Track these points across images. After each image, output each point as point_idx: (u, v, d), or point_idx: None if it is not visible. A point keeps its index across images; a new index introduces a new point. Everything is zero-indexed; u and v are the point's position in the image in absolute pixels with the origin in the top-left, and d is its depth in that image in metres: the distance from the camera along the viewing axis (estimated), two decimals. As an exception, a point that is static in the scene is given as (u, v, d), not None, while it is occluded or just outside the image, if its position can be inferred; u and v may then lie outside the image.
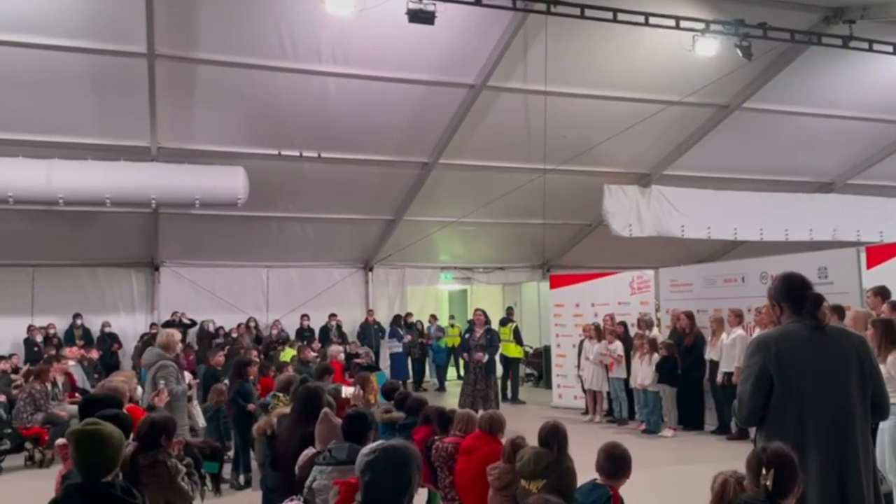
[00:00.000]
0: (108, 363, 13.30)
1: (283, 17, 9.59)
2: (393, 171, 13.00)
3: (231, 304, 14.75)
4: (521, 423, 7.03)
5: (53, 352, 12.12)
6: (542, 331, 15.84)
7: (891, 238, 13.37)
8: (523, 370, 15.91)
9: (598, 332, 11.68)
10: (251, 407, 7.59)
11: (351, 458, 3.48)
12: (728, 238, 14.74)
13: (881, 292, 7.07)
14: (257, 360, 9.75)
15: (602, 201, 13.61)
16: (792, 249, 12.65)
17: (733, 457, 3.49)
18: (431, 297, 17.65)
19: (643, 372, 10.53)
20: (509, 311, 15.33)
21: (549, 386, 14.24)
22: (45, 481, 4.72)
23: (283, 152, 12.01)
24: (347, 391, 6.88)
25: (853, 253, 9.34)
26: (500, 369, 13.37)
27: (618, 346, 11.27)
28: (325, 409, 4.56)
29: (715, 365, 10.08)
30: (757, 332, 8.64)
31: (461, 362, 14.52)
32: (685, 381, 10.35)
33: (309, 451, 4.36)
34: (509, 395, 13.73)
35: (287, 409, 5.42)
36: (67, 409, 9.29)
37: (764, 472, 2.75)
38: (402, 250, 15.34)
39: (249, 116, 11.30)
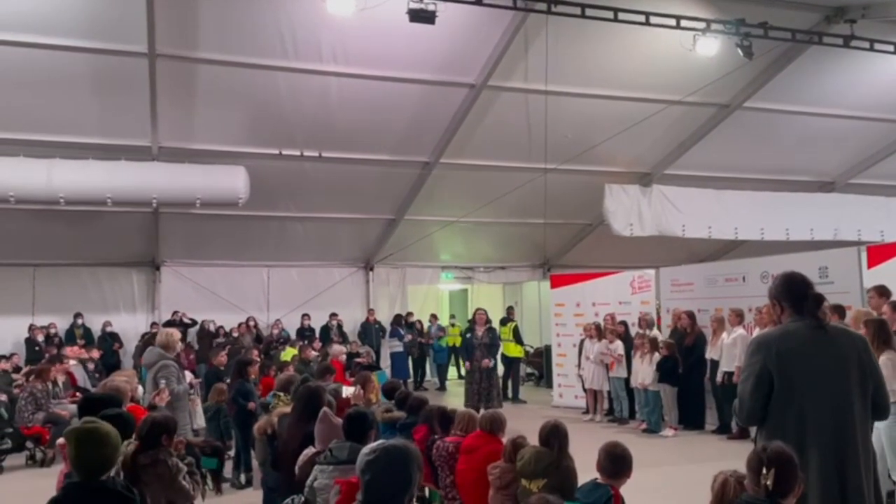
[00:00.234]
0: (110, 363, 13.30)
1: (284, 16, 9.59)
2: (394, 170, 13.00)
3: (232, 304, 14.76)
4: (522, 422, 7.03)
5: (55, 351, 12.13)
6: (542, 330, 15.84)
7: (892, 237, 13.39)
8: (524, 370, 15.91)
9: (598, 332, 11.68)
10: (252, 406, 7.60)
11: (352, 457, 3.49)
12: (729, 237, 14.74)
13: (885, 292, 7.06)
14: (258, 359, 9.76)
15: (603, 201, 13.61)
16: (793, 249, 12.64)
17: (734, 456, 3.49)
18: (432, 297, 17.66)
19: (644, 371, 10.53)
20: (509, 310, 15.33)
21: (549, 385, 14.24)
22: (47, 480, 4.73)
23: (284, 152, 12.02)
24: (348, 391, 6.89)
25: (854, 252, 9.33)
26: (500, 368, 13.39)
27: (618, 346, 11.27)
28: (325, 409, 4.57)
29: (715, 364, 10.08)
30: (757, 331, 8.65)
31: (461, 362, 14.55)
32: (686, 381, 10.35)
33: (309, 451, 4.36)
34: (510, 394, 13.73)
35: (288, 409, 5.42)
36: (68, 408, 9.30)
37: (765, 471, 2.75)
38: (403, 250, 15.35)
39: (250, 116, 11.31)
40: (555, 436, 4.38)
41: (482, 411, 5.78)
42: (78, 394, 10.18)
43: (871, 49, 10.36)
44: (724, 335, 10.01)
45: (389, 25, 9.23)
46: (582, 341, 12.05)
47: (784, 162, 14.31)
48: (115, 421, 3.87)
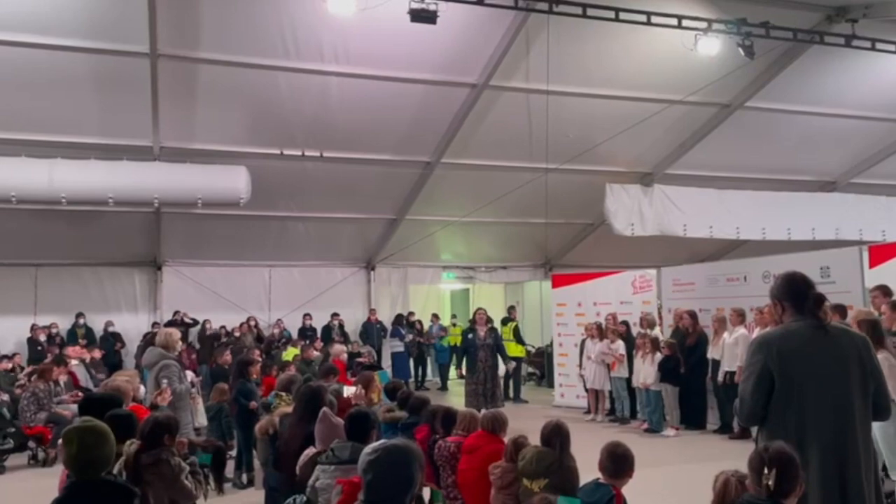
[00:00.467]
0: (112, 362, 13.32)
1: (286, 16, 9.60)
2: (395, 170, 13.01)
3: (233, 304, 14.77)
4: (524, 422, 7.04)
5: (57, 351, 12.14)
6: (544, 330, 15.84)
7: (893, 237, 13.40)
8: (525, 369, 15.91)
9: (600, 332, 11.68)
10: (253, 405, 7.61)
11: (353, 457, 3.49)
12: (730, 237, 14.74)
13: (889, 292, 7.04)
14: (259, 359, 9.77)
15: (604, 200, 13.61)
16: (794, 248, 12.64)
17: (735, 456, 3.49)
18: (434, 297, 17.66)
19: (645, 371, 10.52)
20: (511, 310, 15.33)
21: (551, 385, 14.24)
22: (49, 480, 4.74)
23: (286, 152, 12.02)
24: (349, 391, 6.89)
25: (856, 252, 9.33)
26: (501, 369, 13.39)
27: (620, 346, 11.27)
28: (325, 409, 4.58)
29: (717, 364, 10.07)
30: (758, 331, 8.64)
31: (463, 362, 14.54)
32: (687, 381, 10.35)
33: (310, 451, 4.37)
34: (511, 394, 13.73)
35: (289, 409, 5.43)
36: (71, 408, 9.32)
37: (766, 471, 2.75)
38: (405, 249, 15.35)
39: (252, 116, 11.32)
40: (556, 435, 4.39)
41: (483, 411, 5.77)
42: (80, 394, 10.19)
43: (873, 49, 10.36)
44: (726, 335, 10.01)
45: (391, 25, 9.23)
46: (583, 341, 12.05)
47: (785, 161, 14.30)
48: (119, 421, 3.90)
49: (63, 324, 14.11)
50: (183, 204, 12.13)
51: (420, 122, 11.80)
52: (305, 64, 10.34)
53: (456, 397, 12.82)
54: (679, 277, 11.89)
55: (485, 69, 10.79)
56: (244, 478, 7.76)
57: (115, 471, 3.53)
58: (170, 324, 13.64)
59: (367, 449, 2.57)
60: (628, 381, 11.14)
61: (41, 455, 9.24)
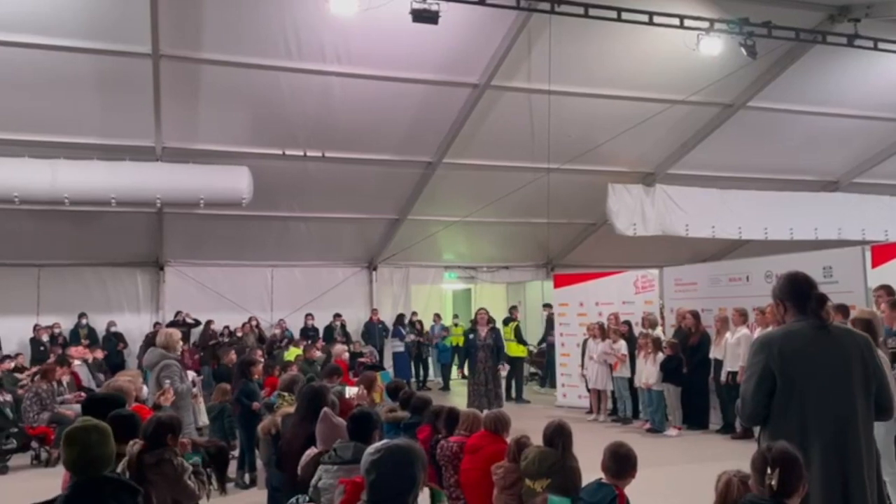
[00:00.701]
0: (114, 363, 13.34)
1: (288, 17, 9.61)
2: (397, 170, 13.01)
3: (235, 304, 14.78)
4: (526, 422, 7.03)
5: (59, 351, 12.16)
6: (546, 330, 15.83)
7: (896, 237, 13.37)
8: (527, 369, 15.91)
9: (602, 332, 11.68)
10: (256, 406, 7.62)
11: (356, 457, 3.50)
12: (733, 237, 14.72)
13: (892, 291, 7.02)
14: (261, 359, 9.78)
15: (606, 200, 13.60)
16: (797, 248, 12.63)
17: (738, 456, 3.49)
18: (435, 297, 17.66)
19: (647, 371, 10.52)
20: (512, 310, 15.32)
21: (553, 385, 14.23)
22: (52, 480, 4.75)
23: (288, 152, 12.04)
24: (351, 391, 6.89)
25: (858, 252, 9.31)
26: (506, 369, 13.39)
27: (622, 346, 11.26)
28: (326, 409, 4.58)
29: (719, 364, 10.07)
30: (759, 331, 8.64)
31: (466, 362, 14.55)
32: (690, 381, 10.34)
33: (311, 451, 4.38)
34: (514, 394, 13.73)
35: (291, 409, 5.43)
36: (73, 408, 9.33)
37: (769, 471, 2.75)
38: (407, 249, 15.36)
39: (254, 116, 11.33)
40: (559, 435, 4.39)
41: (486, 411, 5.78)
42: (82, 394, 10.20)
43: (875, 48, 10.35)
44: (728, 335, 10.00)
45: (392, 25, 9.23)
46: (585, 341, 12.05)
47: (788, 161, 14.29)
48: (122, 421, 3.91)
49: (66, 324, 14.14)
50: (185, 204, 12.15)
51: (422, 122, 11.81)
52: (307, 64, 10.35)
53: (458, 397, 12.83)
54: (681, 277, 11.88)
55: (486, 69, 10.79)
56: (247, 478, 7.77)
57: (118, 471, 3.54)
58: (172, 324, 13.66)
59: (370, 449, 2.58)
60: (630, 381, 11.13)
61: (44, 455, 9.26)
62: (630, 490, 3.82)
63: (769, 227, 14.28)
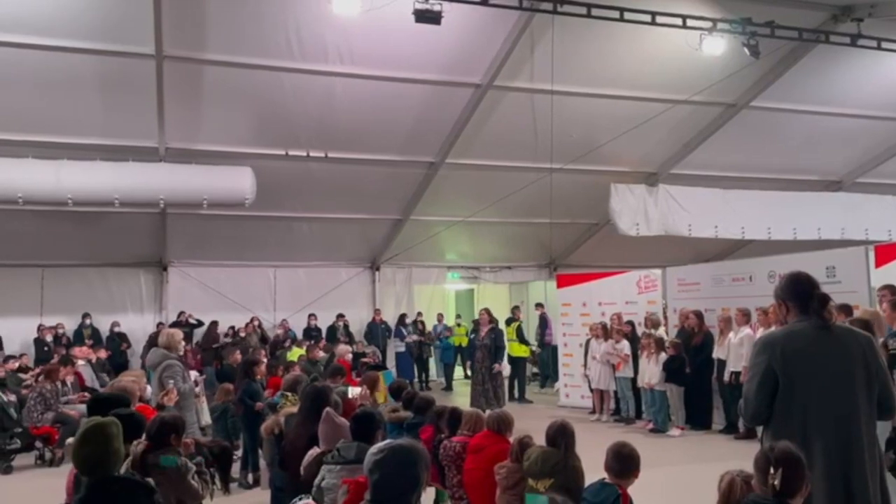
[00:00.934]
0: (118, 363, 13.37)
1: (290, 17, 9.62)
2: (399, 170, 13.02)
3: (238, 304, 14.80)
4: (529, 422, 7.03)
5: (63, 351, 12.19)
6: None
7: (899, 237, 13.33)
8: (530, 369, 15.91)
9: (605, 332, 11.68)
10: (259, 406, 7.63)
11: (359, 456, 3.50)
12: (736, 237, 14.70)
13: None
14: (264, 359, 9.80)
15: (609, 200, 13.60)
16: (800, 248, 12.62)
17: (741, 456, 3.49)
18: (438, 297, 17.67)
19: (650, 371, 10.52)
20: (514, 310, 15.32)
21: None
22: (56, 480, 4.76)
23: (290, 152, 12.05)
24: (354, 391, 6.90)
25: (861, 252, 9.31)
26: (507, 369, 13.39)
27: (625, 346, 11.26)
28: (328, 409, 4.58)
29: (723, 364, 10.06)
30: (761, 331, 8.63)
31: (467, 362, 14.59)
32: (693, 381, 10.34)
33: (314, 451, 4.38)
34: (516, 394, 13.73)
35: (295, 409, 5.44)
36: (77, 408, 9.35)
37: (772, 471, 2.75)
38: (409, 250, 15.37)
39: (257, 117, 11.35)
40: (562, 435, 4.39)
41: (489, 411, 5.79)
42: (86, 394, 10.23)
43: (879, 48, 10.33)
44: (731, 335, 10.00)
45: (395, 26, 9.24)
46: (588, 341, 12.05)
47: (791, 161, 14.26)
48: (126, 421, 3.92)
49: (69, 324, 14.16)
50: (188, 205, 12.16)
51: (424, 123, 11.81)
52: (310, 65, 10.36)
53: (461, 398, 12.83)
54: (684, 277, 11.88)
55: (489, 69, 10.79)
56: (250, 478, 7.78)
57: (122, 471, 3.55)
58: (175, 325, 13.68)
59: (373, 449, 2.59)
60: (633, 381, 11.13)
61: (48, 455, 9.28)
62: (633, 490, 3.82)
63: (772, 226, 14.25)
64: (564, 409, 12.21)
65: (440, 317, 16.84)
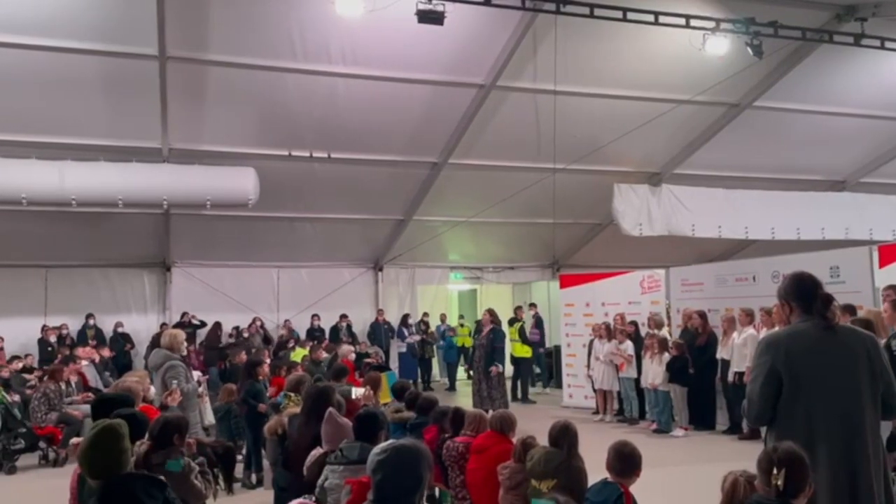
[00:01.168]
0: (122, 363, 13.39)
1: (294, 18, 9.63)
2: (402, 170, 13.03)
3: (242, 305, 14.82)
4: (532, 422, 7.03)
5: (67, 352, 12.22)
6: (552, 330, 15.83)
7: (903, 237, 13.30)
8: (534, 370, 15.89)
9: (608, 332, 11.67)
10: (262, 407, 7.64)
11: (362, 457, 3.51)
12: (739, 237, 14.68)
13: None
14: (267, 360, 9.81)
15: (612, 200, 13.59)
16: (804, 248, 12.59)
17: (745, 456, 3.48)
18: (441, 297, 17.67)
19: (654, 371, 10.51)
20: (517, 310, 15.31)
21: (559, 385, 14.23)
22: (60, 480, 4.77)
23: (294, 153, 12.05)
24: (357, 392, 6.90)
25: (865, 252, 9.29)
26: (510, 369, 13.39)
27: (628, 346, 11.25)
28: (331, 409, 4.59)
29: (726, 364, 10.05)
30: (764, 332, 8.62)
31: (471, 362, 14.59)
32: (697, 381, 10.32)
33: (316, 452, 4.39)
34: (519, 394, 13.73)
35: (298, 409, 5.45)
36: (81, 408, 9.38)
37: (775, 471, 2.75)
38: (412, 250, 15.37)
39: (260, 117, 11.36)
40: (564, 436, 4.39)
41: (491, 411, 5.78)
42: (90, 394, 10.25)
43: (882, 47, 10.31)
44: (735, 335, 9.98)
45: (398, 26, 9.25)
46: (591, 341, 12.04)
47: (794, 161, 14.24)
48: (130, 421, 3.93)
49: (73, 325, 14.19)
50: (192, 205, 12.19)
51: (427, 123, 11.82)
52: (313, 65, 10.37)
53: (464, 398, 12.83)
54: (688, 277, 11.87)
55: (492, 69, 10.79)
56: (253, 478, 7.80)
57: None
58: (178, 325, 13.69)
59: (376, 449, 2.59)
60: (637, 381, 11.12)
61: (52, 455, 9.30)
62: (636, 490, 3.82)
63: (776, 226, 14.24)
64: (568, 410, 12.21)
65: (443, 317, 16.84)
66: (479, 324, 12.20)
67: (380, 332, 15.47)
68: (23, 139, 10.76)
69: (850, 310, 6.81)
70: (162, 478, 3.19)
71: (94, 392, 10.34)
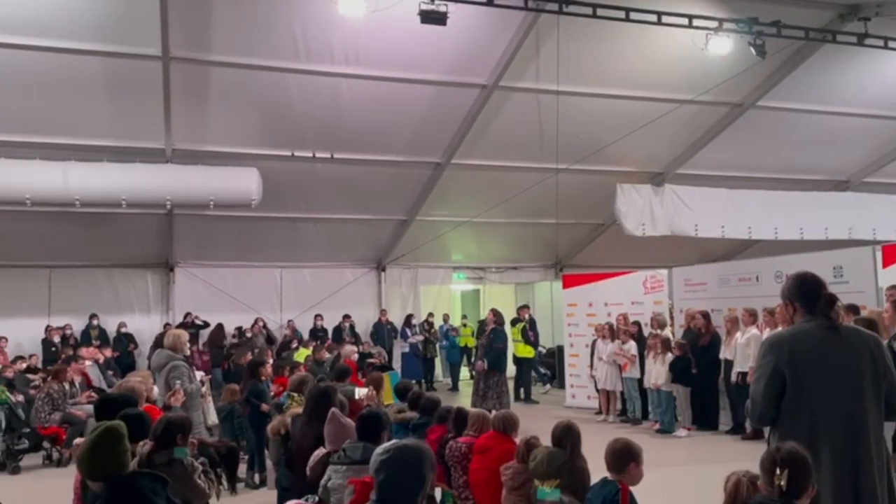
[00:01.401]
0: (125, 363, 13.41)
1: (296, 18, 9.64)
2: (405, 171, 13.04)
3: (245, 305, 14.84)
4: (535, 422, 7.04)
5: (71, 352, 12.23)
6: (554, 330, 15.82)
7: (907, 236, 13.27)
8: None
9: (611, 332, 11.66)
10: (265, 407, 7.64)
11: (365, 457, 3.51)
12: (742, 237, 14.68)
13: None
14: (269, 360, 9.82)
15: (615, 201, 13.58)
16: (807, 248, 12.57)
17: (748, 457, 3.48)
18: (444, 297, 17.68)
19: (657, 371, 10.49)
20: (520, 310, 15.30)
21: (562, 386, 14.22)
22: (63, 480, 4.79)
23: (296, 153, 12.08)
24: (360, 392, 6.91)
25: (869, 252, 9.27)
26: (512, 369, 13.38)
27: (632, 346, 11.23)
28: (333, 409, 4.59)
29: (730, 364, 10.03)
30: (767, 332, 8.60)
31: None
32: (700, 381, 10.31)
33: (319, 452, 4.39)
34: (522, 395, 13.72)
35: (301, 409, 5.45)
36: (85, 408, 9.39)
37: (778, 472, 2.74)
38: (415, 250, 15.38)
39: (263, 118, 11.38)
40: (567, 436, 4.39)
41: (494, 412, 5.78)
42: (93, 394, 10.27)
43: (886, 47, 10.30)
44: (738, 335, 9.97)
45: (400, 26, 9.26)
46: (594, 342, 12.03)
47: (798, 161, 14.22)
48: (134, 421, 3.95)
49: (77, 325, 14.23)
50: (195, 206, 12.21)
51: (430, 123, 11.82)
52: (316, 66, 10.39)
53: (466, 398, 12.81)
54: (690, 277, 11.85)
55: (495, 70, 10.79)
56: (257, 478, 7.80)
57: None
58: (181, 326, 13.72)
59: (379, 449, 2.59)
60: (640, 381, 11.11)
61: (56, 455, 9.31)
62: (639, 490, 3.82)
63: (779, 226, 14.22)
64: (571, 410, 12.20)
65: (446, 317, 16.84)
66: (482, 324, 12.17)
67: (383, 332, 15.48)
68: (27, 140, 10.79)
69: (853, 310, 6.81)
70: (163, 475, 3.19)
71: (98, 392, 10.35)
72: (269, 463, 7.29)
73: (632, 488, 3.78)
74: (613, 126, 11.91)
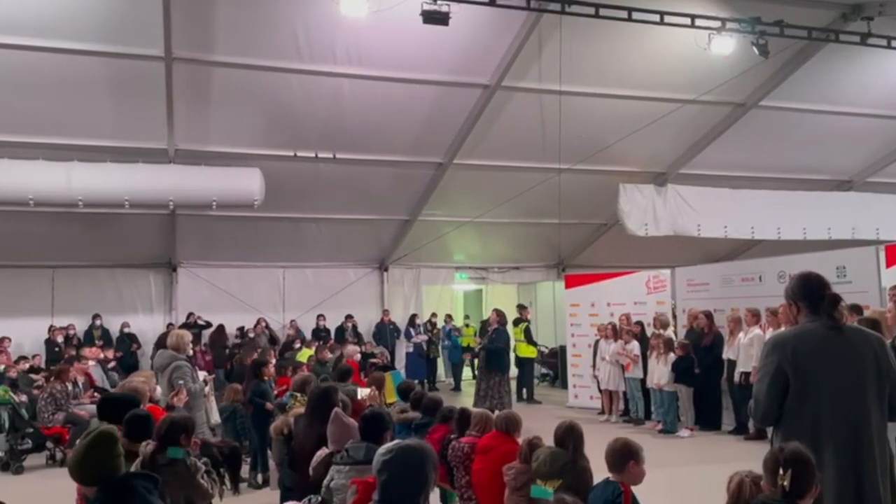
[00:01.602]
0: (128, 363, 13.43)
1: (299, 18, 9.65)
2: (408, 171, 13.04)
3: (248, 305, 14.85)
4: (537, 423, 7.03)
5: (74, 352, 12.26)
6: (557, 330, 15.81)
7: (910, 236, 13.24)
8: (538, 370, 15.88)
9: (614, 332, 11.65)
10: (269, 406, 7.65)
11: (368, 457, 3.52)
12: (745, 237, 14.65)
13: None
14: (273, 360, 9.82)
15: (617, 200, 13.57)
16: (810, 248, 12.56)
17: (751, 457, 3.48)
18: (447, 297, 17.68)
19: (659, 372, 10.49)
20: (522, 310, 15.26)
21: (564, 386, 14.21)
22: (66, 480, 4.77)
23: (299, 153, 12.08)
24: (363, 392, 6.91)
25: (872, 251, 9.26)
26: (514, 369, 13.38)
27: (634, 346, 11.22)
28: (336, 410, 4.59)
29: (732, 364, 10.02)
30: (770, 332, 8.60)
31: (475, 362, 14.61)
32: (703, 381, 10.30)
33: (322, 452, 4.40)
34: (524, 395, 13.71)
35: (304, 409, 5.45)
36: (88, 408, 9.40)
37: (781, 472, 2.74)
38: (418, 250, 15.38)
39: (265, 118, 11.39)
40: (570, 436, 4.38)
41: (497, 412, 5.78)
42: (96, 394, 10.28)
43: (889, 46, 10.28)
44: (741, 335, 9.96)
45: (403, 27, 9.26)
46: (597, 342, 12.02)
47: (801, 160, 14.20)
48: (138, 421, 3.96)
49: (80, 325, 14.24)
50: (198, 206, 12.22)
51: (432, 123, 11.83)
52: (318, 66, 10.39)
53: (469, 398, 12.81)
54: (693, 278, 11.84)
55: (497, 70, 10.79)
56: (259, 478, 7.81)
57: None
58: (184, 326, 13.73)
59: (382, 449, 2.59)
60: (642, 381, 11.10)
61: (59, 455, 9.32)
62: (641, 490, 3.81)
63: (782, 226, 14.20)
64: (573, 410, 12.19)
65: (448, 317, 16.84)
66: (484, 324, 12.17)
67: (385, 332, 15.48)
68: (30, 140, 10.81)
69: (856, 310, 6.81)
70: (154, 475, 3.20)
71: (101, 392, 10.36)
72: (271, 463, 7.27)
73: (634, 489, 3.78)
74: (616, 126, 11.90)
